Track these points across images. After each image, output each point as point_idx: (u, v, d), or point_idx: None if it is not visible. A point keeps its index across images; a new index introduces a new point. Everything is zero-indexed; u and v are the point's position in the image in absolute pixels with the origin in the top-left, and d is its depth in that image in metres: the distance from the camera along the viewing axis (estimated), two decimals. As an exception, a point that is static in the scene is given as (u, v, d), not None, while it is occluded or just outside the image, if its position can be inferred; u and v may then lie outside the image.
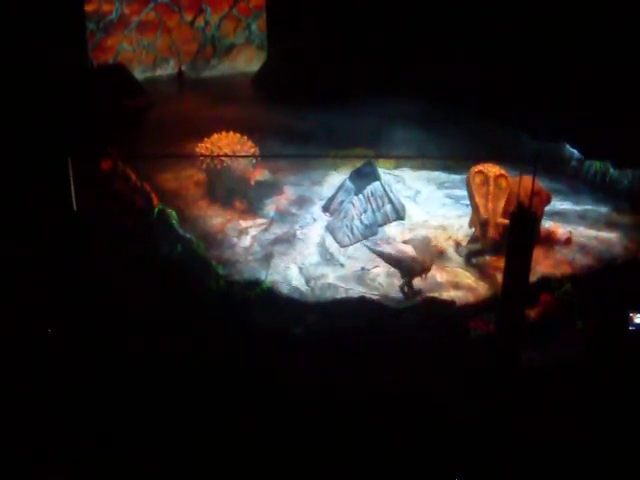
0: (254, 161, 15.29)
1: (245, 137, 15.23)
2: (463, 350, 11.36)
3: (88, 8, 21.57)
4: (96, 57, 21.87)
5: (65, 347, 10.78)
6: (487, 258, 13.64)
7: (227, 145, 15.02)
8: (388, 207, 14.72)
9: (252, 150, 15.19)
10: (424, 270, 12.68)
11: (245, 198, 15.16)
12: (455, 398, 10.33)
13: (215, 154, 14.86)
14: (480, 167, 13.48)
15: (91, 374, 10.39)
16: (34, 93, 15.51)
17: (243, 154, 15.02)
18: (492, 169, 13.39)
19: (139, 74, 21.78)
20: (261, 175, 15.25)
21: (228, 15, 23.49)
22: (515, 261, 10.00)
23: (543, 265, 13.26)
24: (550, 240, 14.08)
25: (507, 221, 12.81)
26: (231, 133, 15.26)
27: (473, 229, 13.68)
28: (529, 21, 17.99)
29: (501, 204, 13.23)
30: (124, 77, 20.11)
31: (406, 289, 12.64)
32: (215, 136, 15.21)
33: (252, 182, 15.16)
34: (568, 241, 14.09)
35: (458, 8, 19.19)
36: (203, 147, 15.14)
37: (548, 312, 12.14)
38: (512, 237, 10.09)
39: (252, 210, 15.00)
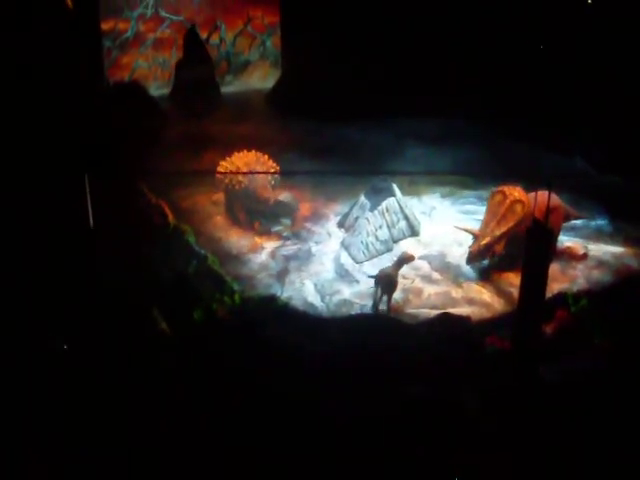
0: (274, 182, 15.11)
1: (266, 156, 15.08)
2: (479, 366, 11.31)
3: (104, 26, 21.76)
4: (112, 75, 22.04)
5: (79, 363, 10.80)
6: (503, 274, 13.65)
7: (246, 165, 14.83)
8: (403, 223, 14.71)
9: (272, 170, 15.02)
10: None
11: (263, 218, 15.05)
12: (471, 414, 10.28)
13: (232, 172, 14.81)
14: (504, 188, 13.58)
15: (105, 389, 10.39)
16: (50, 110, 15.60)
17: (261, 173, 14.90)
18: (514, 192, 13.43)
19: (154, 91, 21.91)
20: (281, 196, 14.95)
21: (243, 32, 23.62)
22: (531, 277, 9.98)
23: (559, 281, 13.21)
24: (566, 255, 14.04)
25: (491, 240, 13.31)
26: (252, 152, 15.11)
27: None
28: (545, 37, 18.03)
29: (503, 228, 13.33)
30: (140, 94, 20.26)
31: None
32: (234, 155, 15.08)
33: (271, 202, 14.87)
34: (584, 256, 14.03)
35: (473, 24, 19.25)
36: (222, 166, 14.99)
37: (564, 328, 12.06)
38: (528, 253, 10.06)
39: (268, 227, 14.94)
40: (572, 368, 11.10)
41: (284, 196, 14.97)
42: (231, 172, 14.72)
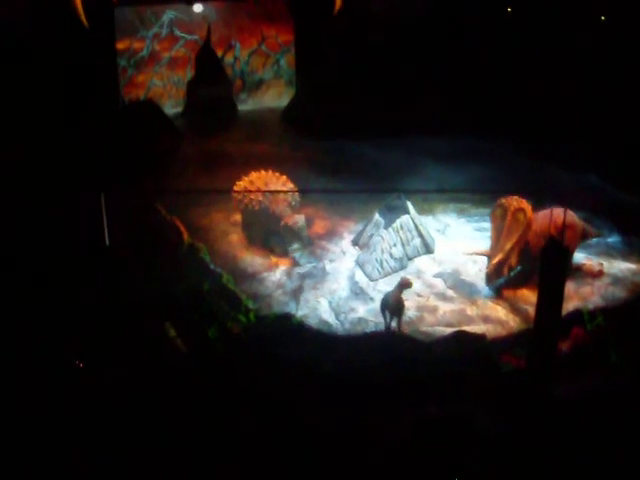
0: (293, 203, 14.97)
1: (284, 177, 14.95)
2: (494, 384, 11.26)
3: (120, 45, 22.00)
4: (127, 93, 22.25)
5: (94, 379, 10.82)
6: (517, 291, 13.62)
7: (265, 185, 14.68)
8: (417, 241, 14.68)
9: (296, 195, 14.89)
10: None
11: (279, 239, 14.86)
12: (487, 432, 10.23)
13: (247, 190, 14.77)
14: (503, 200, 13.54)
15: (120, 404, 10.41)
16: (67, 129, 15.76)
17: (280, 196, 14.75)
18: (513, 202, 13.40)
19: (169, 109, 22.12)
20: (291, 221, 14.63)
21: (257, 51, 23.79)
22: (547, 295, 9.94)
23: (574, 298, 13.16)
24: (581, 272, 13.99)
25: (504, 256, 13.33)
26: (269, 172, 15.02)
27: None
28: (560, 54, 18.06)
29: (512, 239, 13.34)
30: (154, 113, 20.40)
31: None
32: (252, 174, 15.00)
33: (289, 224, 14.58)
34: (600, 273, 13.98)
35: (487, 42, 19.33)
36: (240, 186, 14.90)
37: (580, 345, 12.00)
38: (544, 271, 10.03)
39: (286, 251, 14.78)
40: (588, 386, 11.02)
41: (295, 220, 14.68)
42: (246, 190, 14.69)
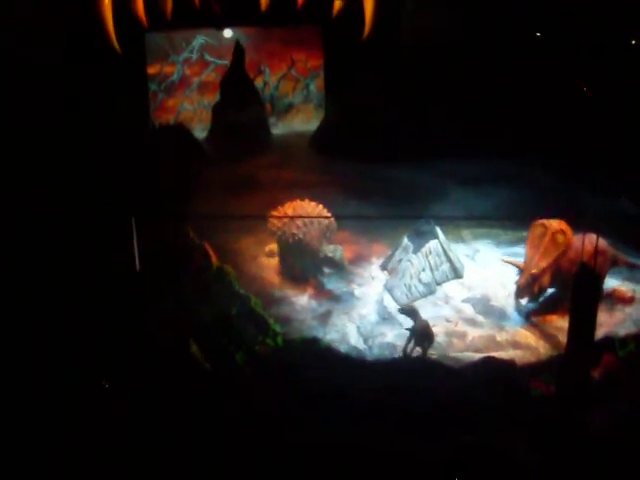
0: (328, 234, 14.80)
1: (320, 206, 14.74)
2: (524, 411, 11.15)
3: (150, 70, 22.27)
4: (158, 117, 22.45)
5: (122, 402, 10.86)
6: (547, 317, 13.53)
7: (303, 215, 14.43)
8: (446, 266, 14.61)
9: (331, 222, 14.67)
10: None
11: (316, 271, 14.72)
12: (518, 459, 10.12)
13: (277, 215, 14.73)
14: (543, 220, 13.52)
15: (145, 427, 10.43)
16: (98, 154, 15.92)
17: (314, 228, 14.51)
18: (553, 223, 13.39)
19: (199, 133, 22.27)
20: (336, 248, 14.56)
21: (287, 75, 23.94)
22: (579, 321, 9.87)
23: (605, 324, 13.01)
24: (612, 298, 13.86)
25: (537, 272, 13.20)
26: (306, 202, 14.84)
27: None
28: (588, 78, 18.01)
29: (548, 259, 13.26)
30: (185, 137, 20.57)
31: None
32: (287, 204, 14.86)
33: (327, 255, 14.46)
34: (631, 299, 13.85)
35: (515, 65, 19.33)
36: (276, 217, 14.67)
37: (611, 373, 11.87)
38: (576, 297, 9.96)
39: (323, 284, 14.65)
40: (620, 414, 10.89)
41: (333, 250, 14.56)
42: (276, 216, 14.68)
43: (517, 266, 13.66)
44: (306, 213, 14.59)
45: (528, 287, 13.41)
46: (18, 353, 11.09)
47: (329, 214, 14.72)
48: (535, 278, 13.29)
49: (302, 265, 14.71)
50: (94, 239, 12.76)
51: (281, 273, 14.98)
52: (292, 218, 14.48)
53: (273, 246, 15.38)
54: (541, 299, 13.70)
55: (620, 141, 17.41)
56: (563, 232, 13.25)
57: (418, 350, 12.47)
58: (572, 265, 12.61)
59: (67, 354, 11.29)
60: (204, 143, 21.79)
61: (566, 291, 12.17)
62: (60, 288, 12.21)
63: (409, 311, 12.71)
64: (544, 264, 13.27)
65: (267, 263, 15.29)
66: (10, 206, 13.56)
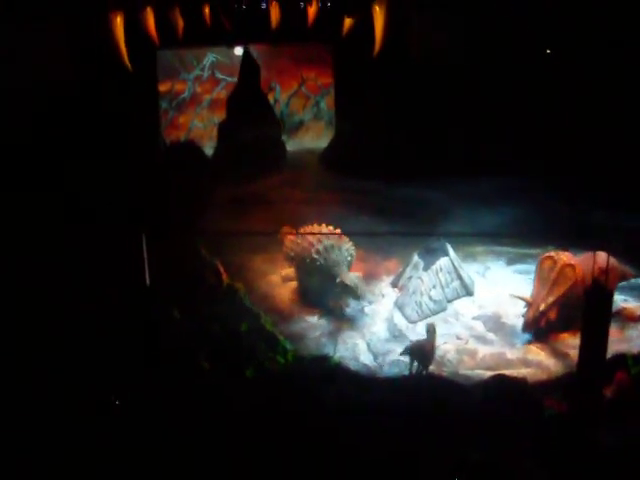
0: (349, 258, 14.55)
1: (338, 230, 14.49)
2: (536, 430, 11.09)
3: (162, 88, 22.37)
4: (168, 134, 22.55)
5: (131, 417, 10.86)
6: (559, 335, 13.47)
7: (318, 241, 14.27)
8: (457, 283, 14.60)
9: (351, 249, 14.52)
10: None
11: (336, 295, 14.40)
12: (529, 478, 10.07)
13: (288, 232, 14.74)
14: (552, 253, 13.53)
15: (157, 444, 10.41)
16: (109, 171, 15.99)
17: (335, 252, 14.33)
18: (562, 257, 13.38)
19: (209, 150, 22.31)
20: (355, 275, 14.33)
21: (297, 93, 24.05)
22: (590, 339, 9.83)
23: (617, 342, 12.92)
24: (623, 316, 13.80)
25: (545, 308, 13.17)
26: (323, 226, 14.70)
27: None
28: (599, 97, 18.02)
29: (556, 294, 13.23)
30: (196, 154, 20.64)
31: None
32: (304, 229, 14.79)
33: (345, 282, 14.12)
34: (641, 317, 13.83)
35: (526, 85, 19.34)
36: (293, 240, 14.68)
37: (624, 391, 11.80)
38: (587, 315, 9.93)
39: (343, 309, 14.44)
40: (632, 432, 10.82)
41: (353, 279, 14.22)
42: (287, 233, 14.70)
43: (525, 300, 13.58)
44: (324, 237, 14.34)
45: (535, 322, 13.34)
46: (28, 368, 11.12)
47: (346, 238, 14.53)
48: (543, 314, 13.24)
49: (321, 291, 14.44)
50: (105, 255, 12.80)
51: (298, 297, 14.86)
52: (310, 242, 14.34)
53: (290, 270, 15.26)
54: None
55: (628, 156, 17.38)
56: (572, 266, 13.21)
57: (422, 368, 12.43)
58: (580, 300, 12.52)
59: (77, 370, 11.30)
60: (215, 160, 21.84)
61: (576, 311, 12.12)
62: (71, 304, 12.25)
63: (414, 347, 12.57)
64: (552, 299, 13.22)
65: (277, 281, 15.28)
66: (24, 220, 13.65)
